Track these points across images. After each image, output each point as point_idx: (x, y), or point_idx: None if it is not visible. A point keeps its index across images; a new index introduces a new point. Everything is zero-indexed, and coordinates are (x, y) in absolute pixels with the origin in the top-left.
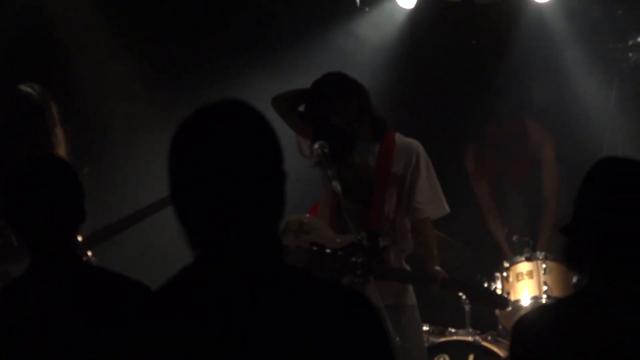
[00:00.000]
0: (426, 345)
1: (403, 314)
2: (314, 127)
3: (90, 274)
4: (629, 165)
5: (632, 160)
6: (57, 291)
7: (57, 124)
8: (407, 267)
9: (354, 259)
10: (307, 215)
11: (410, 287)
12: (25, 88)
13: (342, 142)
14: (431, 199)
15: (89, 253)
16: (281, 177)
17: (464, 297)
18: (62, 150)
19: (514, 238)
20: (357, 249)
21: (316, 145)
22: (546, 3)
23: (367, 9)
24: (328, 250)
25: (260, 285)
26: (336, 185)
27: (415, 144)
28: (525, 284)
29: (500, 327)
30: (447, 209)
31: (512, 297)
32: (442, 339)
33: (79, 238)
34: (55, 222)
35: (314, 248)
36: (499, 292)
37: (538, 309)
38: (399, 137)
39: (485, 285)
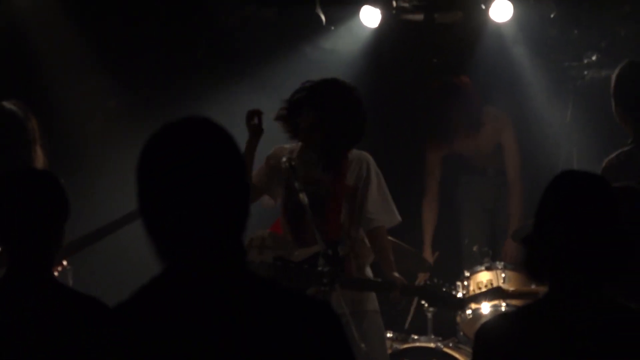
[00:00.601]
0: (390, 351)
1: (365, 319)
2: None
3: (55, 291)
4: (589, 178)
5: (592, 174)
6: (24, 306)
7: (37, 140)
8: (371, 275)
9: (320, 269)
10: (268, 231)
11: (373, 294)
12: (9, 105)
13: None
14: (382, 208)
15: (64, 262)
16: (245, 189)
17: (423, 301)
18: (40, 165)
19: (474, 248)
20: (323, 258)
21: (284, 159)
22: (505, 23)
23: (332, 28)
24: (292, 264)
25: (226, 294)
26: (303, 197)
27: (365, 155)
28: None
29: (461, 333)
30: (399, 218)
31: (473, 306)
32: (405, 345)
33: None
34: (38, 236)
35: (278, 262)
36: (458, 295)
37: (499, 317)
38: (351, 151)
39: (444, 288)
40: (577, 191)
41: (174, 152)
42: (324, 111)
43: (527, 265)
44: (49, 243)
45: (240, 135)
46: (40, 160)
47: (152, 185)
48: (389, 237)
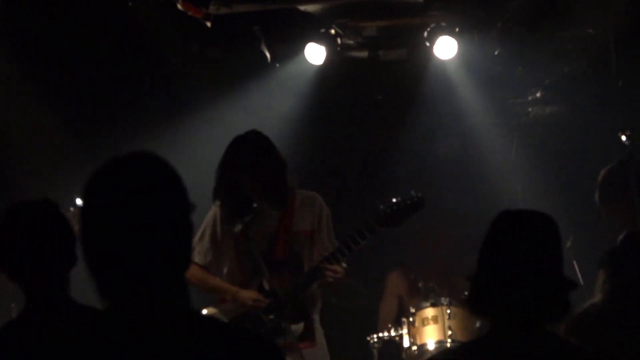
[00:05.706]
0: None
1: None
2: None
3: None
4: (532, 217)
5: (535, 211)
6: (53, 333)
7: None
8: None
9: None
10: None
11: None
12: None
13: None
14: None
15: None
16: (189, 227)
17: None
18: None
19: (420, 284)
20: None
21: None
22: (449, 60)
23: (277, 65)
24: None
25: (168, 331)
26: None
27: (316, 197)
28: (431, 329)
29: None
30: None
31: (418, 342)
32: None
33: None
34: (48, 266)
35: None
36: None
37: (444, 353)
38: (299, 193)
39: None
40: (520, 230)
41: (118, 188)
42: (252, 170)
43: (471, 301)
44: (60, 270)
45: (186, 172)
46: None
47: (93, 222)
48: None
